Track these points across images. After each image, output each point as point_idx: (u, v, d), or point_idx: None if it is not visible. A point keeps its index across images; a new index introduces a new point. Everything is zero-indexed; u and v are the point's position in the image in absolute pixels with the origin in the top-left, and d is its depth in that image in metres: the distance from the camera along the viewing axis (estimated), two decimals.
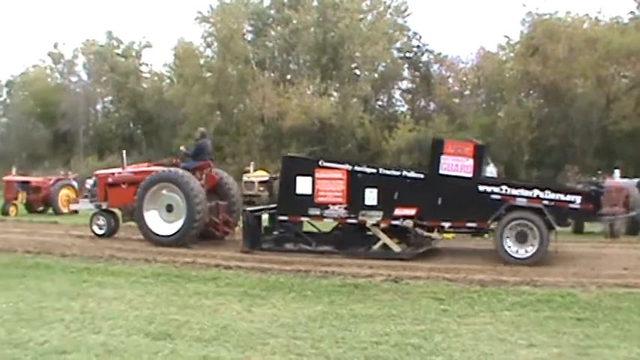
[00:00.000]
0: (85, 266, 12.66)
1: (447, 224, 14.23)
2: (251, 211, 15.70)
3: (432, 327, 8.02)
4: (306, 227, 15.74)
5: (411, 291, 10.28)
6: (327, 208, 14.63)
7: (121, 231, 18.00)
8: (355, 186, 14.47)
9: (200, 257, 13.59)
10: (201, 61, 50.49)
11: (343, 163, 15.10)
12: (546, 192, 13.65)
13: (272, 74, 47.45)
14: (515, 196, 13.63)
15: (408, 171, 14.77)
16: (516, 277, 11.46)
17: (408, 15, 48.82)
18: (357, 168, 14.72)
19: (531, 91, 42.67)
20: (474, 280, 11.11)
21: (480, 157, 14.21)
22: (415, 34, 49.73)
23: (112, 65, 56.85)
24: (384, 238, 14.22)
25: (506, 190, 13.71)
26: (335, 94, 47.03)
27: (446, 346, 7.18)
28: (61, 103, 56.08)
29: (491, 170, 15.81)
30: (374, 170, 14.76)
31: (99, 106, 60.77)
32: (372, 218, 14.24)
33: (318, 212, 14.75)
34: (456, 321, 8.36)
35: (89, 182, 19.50)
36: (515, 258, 13.23)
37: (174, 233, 15.79)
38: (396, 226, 14.14)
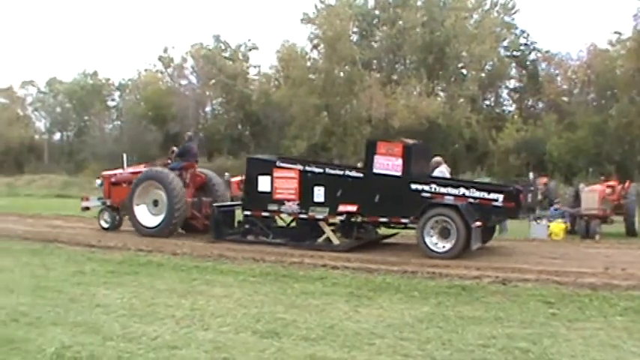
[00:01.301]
0: (194, 265, 12.91)
1: (384, 220, 15.31)
2: (218, 206, 17.41)
3: (541, 331, 7.84)
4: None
5: (519, 293, 10.06)
6: (283, 204, 16.04)
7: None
8: (306, 184, 15.82)
9: (307, 257, 13.64)
10: (308, 63, 50.72)
11: (295, 163, 16.57)
12: (471, 190, 14.42)
13: (378, 75, 47.32)
14: (443, 194, 14.50)
15: (350, 170, 15.88)
16: (629, 281, 11.07)
17: (515, 12, 47.99)
18: (307, 168, 16.08)
19: None
20: (585, 284, 10.78)
21: (409, 156, 15.01)
22: (522, 31, 49.01)
23: (220, 68, 57.81)
24: (328, 232, 15.55)
25: (435, 189, 14.61)
26: (442, 93, 46.64)
27: (555, 351, 7.01)
28: (172, 105, 57.53)
29: (441, 170, 16.82)
30: (321, 170, 16.01)
31: (208, 108, 61.97)
32: (319, 214, 15.59)
33: (276, 208, 16.15)
34: (565, 325, 8.14)
35: (97, 182, 21.02)
36: (436, 252, 14.03)
37: (158, 225, 17.79)
38: (343, 221, 15.49)
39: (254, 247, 15.36)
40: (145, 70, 66.20)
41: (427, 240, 14.16)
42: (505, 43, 48.04)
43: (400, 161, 14.87)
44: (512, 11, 47.91)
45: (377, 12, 50.01)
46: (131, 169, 19.97)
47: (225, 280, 11.28)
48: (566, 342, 7.38)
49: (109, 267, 12.54)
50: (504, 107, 50.74)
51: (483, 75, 47.34)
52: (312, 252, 14.31)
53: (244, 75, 59.32)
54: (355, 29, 50.24)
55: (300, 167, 16.12)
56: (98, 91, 69.23)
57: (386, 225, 15.97)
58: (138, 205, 18.18)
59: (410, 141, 16.52)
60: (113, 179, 19.78)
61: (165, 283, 10.90)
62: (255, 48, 60.67)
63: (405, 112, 42.43)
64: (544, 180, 31.87)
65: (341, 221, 15.62)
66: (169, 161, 19.23)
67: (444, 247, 14.05)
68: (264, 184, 16.33)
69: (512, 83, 50.88)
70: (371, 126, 46.29)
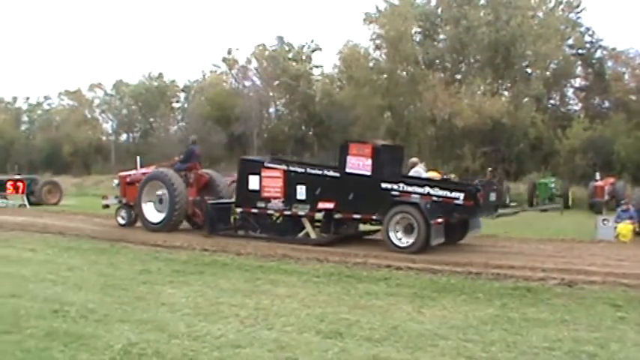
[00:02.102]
0: (258, 264, 13.01)
1: (357, 216, 16.26)
2: (212, 204, 18.63)
3: (608, 335, 7.70)
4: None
5: (585, 296, 9.92)
6: (270, 201, 17.28)
7: None
8: (289, 183, 16.99)
9: (371, 258, 13.63)
10: (370, 64, 50.54)
11: (281, 163, 17.83)
12: (435, 189, 15.27)
13: (442, 74, 46.96)
14: (410, 193, 15.40)
15: (328, 170, 16.86)
16: None
17: (580, 10, 47.09)
18: (290, 168, 17.27)
19: None
20: None
21: (378, 157, 16.01)
22: (588, 29, 47.88)
23: (284, 69, 58.00)
24: (308, 227, 16.75)
25: (403, 188, 15.52)
26: (506, 93, 46.09)
27: (623, 356, 6.89)
28: (236, 106, 57.85)
29: (417, 170, 17.83)
30: (303, 170, 17.14)
31: (272, 109, 62.12)
32: (301, 210, 16.73)
33: (263, 205, 17.36)
34: (633, 329, 7.99)
35: (115, 182, 22.42)
36: (399, 247, 14.93)
37: (162, 221, 19.05)
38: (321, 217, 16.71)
39: (317, 247, 15.40)
40: (210, 71, 66.92)
41: (391, 235, 15.10)
42: (570, 41, 47.16)
43: (370, 161, 15.94)
44: (578, 9, 46.99)
45: (440, 11, 49.53)
46: (143, 170, 21.44)
47: (289, 280, 11.34)
48: (635, 347, 7.26)
49: (175, 266, 12.74)
50: (570, 106, 49.80)
51: (548, 74, 46.54)
52: (377, 253, 14.29)
53: (307, 76, 59.42)
54: (418, 29, 49.89)
55: (285, 167, 17.36)
56: (163, 93, 70.05)
57: (360, 221, 16.82)
58: (145, 202, 19.51)
59: (380, 142, 18.01)
60: (128, 179, 21.21)
61: (230, 283, 11.00)
62: (319, 49, 60.68)
63: (468, 111, 42.02)
64: (610, 180, 31.38)
65: (322, 217, 16.75)
66: (177, 160, 20.61)
67: (407, 242, 14.92)
68: (253, 183, 17.62)
69: (577, 82, 49.97)
70: (435, 126, 46.00)
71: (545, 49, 42.95)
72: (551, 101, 49.14)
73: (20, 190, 32.99)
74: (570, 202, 32.67)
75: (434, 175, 34.90)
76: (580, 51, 47.52)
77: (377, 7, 48.85)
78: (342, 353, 6.95)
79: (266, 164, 17.68)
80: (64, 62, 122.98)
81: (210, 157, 55.67)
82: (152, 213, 19.42)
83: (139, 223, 19.90)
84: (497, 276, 11.60)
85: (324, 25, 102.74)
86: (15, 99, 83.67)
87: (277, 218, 17.53)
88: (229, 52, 63.49)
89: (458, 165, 42.54)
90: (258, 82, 61.42)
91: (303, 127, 59.52)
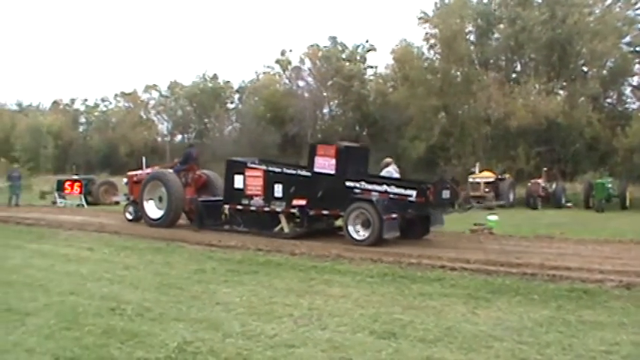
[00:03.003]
0: (312, 264, 13.01)
1: (326, 212, 17.44)
2: (202, 201, 20.38)
3: None
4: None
5: None
6: (252, 199, 18.78)
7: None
8: (268, 182, 18.46)
9: (425, 258, 13.53)
10: (425, 63, 50.26)
11: (261, 164, 19.17)
12: (392, 187, 16.48)
13: (496, 74, 46.50)
14: (370, 191, 16.58)
15: (300, 170, 18.28)
16: None
17: (639, 7, 46.18)
18: (269, 168, 18.73)
19: None
20: None
21: (342, 157, 17.31)
22: None
23: (337, 69, 58.03)
24: (283, 222, 18.16)
25: (364, 186, 16.75)
26: (561, 92, 45.46)
27: None
28: (289, 107, 58.05)
29: (388, 170, 19.13)
30: (280, 170, 18.55)
31: (325, 110, 62.23)
32: (278, 207, 18.20)
33: (247, 202, 18.90)
34: None
35: (124, 181, 24.61)
36: (356, 239, 16.18)
37: (161, 217, 20.54)
38: (293, 213, 17.98)
39: (372, 248, 15.37)
40: (263, 72, 67.26)
41: (350, 229, 16.37)
42: (628, 39, 46.26)
43: (334, 161, 17.31)
44: (636, 5, 46.11)
45: (496, 10, 49.03)
46: (148, 170, 23.44)
47: (343, 280, 11.33)
48: None
49: (229, 266, 12.82)
50: (627, 105, 48.89)
51: (605, 72, 45.77)
52: (430, 253, 14.19)
53: (361, 76, 59.36)
54: (472, 28, 49.49)
55: (265, 168, 18.83)
56: (218, 93, 70.66)
57: (329, 217, 17.96)
58: (147, 200, 21.12)
59: (345, 143, 19.15)
60: (135, 178, 22.87)
61: (284, 283, 11.03)
62: (373, 49, 60.66)
63: (523, 111, 41.59)
64: None
65: (296, 212, 18.04)
66: (177, 162, 22.51)
67: (363, 235, 16.19)
68: (238, 182, 19.17)
69: (635, 80, 49.06)
70: (489, 126, 45.61)
71: (601, 47, 42.27)
72: (608, 100, 48.24)
73: (78, 190, 33.68)
74: (628, 203, 32.10)
75: (488, 175, 34.81)
76: (638, 48, 46.61)
77: (435, 4, 48.59)
78: (395, 354, 6.93)
79: (249, 165, 19.22)
80: (120, 64, 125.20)
81: (264, 157, 55.96)
82: (153, 210, 20.99)
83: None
84: (553, 277, 11.41)
85: (379, 24, 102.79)
86: (73, 101, 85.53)
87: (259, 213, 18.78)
88: (283, 53, 63.80)
89: (512, 165, 42.15)
90: (311, 83, 61.53)
91: (357, 128, 59.49)
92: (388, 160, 19.87)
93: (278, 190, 18.28)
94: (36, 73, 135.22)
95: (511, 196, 34.32)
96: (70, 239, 17.64)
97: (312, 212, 17.61)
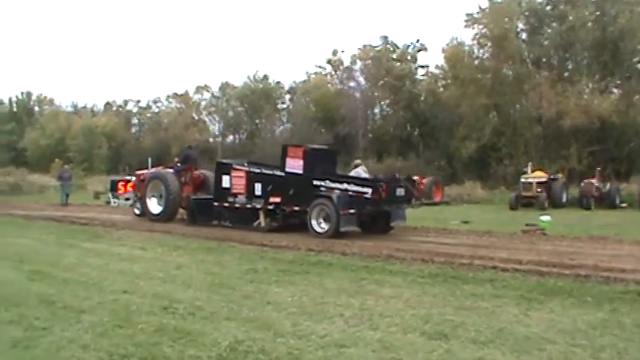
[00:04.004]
0: (364, 265, 12.97)
1: (297, 208, 19.04)
2: (194, 199, 22.22)
3: None
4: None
5: None
6: (237, 197, 20.52)
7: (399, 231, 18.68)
8: (250, 182, 20.23)
9: (477, 259, 13.43)
10: (475, 62, 49.87)
11: (243, 165, 21.06)
12: (352, 185, 18.16)
13: (548, 73, 45.93)
14: (333, 189, 18.25)
15: (276, 170, 19.90)
16: None
17: None
18: (250, 169, 20.58)
19: None
20: None
21: (309, 158, 19.21)
22: None
23: (388, 69, 57.86)
24: (261, 218, 19.91)
25: (329, 184, 18.44)
26: (615, 91, 44.74)
27: None
28: (340, 107, 58.05)
29: (357, 171, 21.01)
30: (259, 170, 20.41)
31: (376, 110, 62.14)
32: (258, 204, 19.97)
33: (232, 200, 20.64)
34: None
35: (133, 179, 27.93)
36: (317, 232, 18.08)
37: (160, 212, 22.68)
38: (271, 209, 19.72)
39: (422, 247, 15.37)
40: (314, 73, 67.39)
41: (313, 223, 18.23)
42: None
43: (301, 162, 19.13)
44: None
45: (547, 8, 48.38)
46: (153, 170, 26.00)
47: (394, 280, 11.28)
48: None
49: (281, 266, 12.85)
50: None
51: None
52: (483, 254, 14.08)
53: (412, 75, 59.15)
54: (523, 26, 48.97)
55: (247, 169, 20.63)
56: (268, 94, 70.97)
57: (300, 213, 19.03)
58: (149, 197, 23.25)
59: (313, 146, 21.36)
60: (142, 177, 24.96)
61: (335, 283, 11.02)
62: (424, 49, 60.38)
63: (576, 110, 41.03)
64: None
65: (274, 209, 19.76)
66: (177, 162, 24.86)
67: (324, 228, 18.05)
68: (225, 182, 20.88)
69: None
70: (541, 125, 45.12)
71: None
72: None
73: (131, 190, 34.26)
74: None
75: (540, 175, 34.40)
76: None
77: (479, 7, 48.26)
78: (446, 355, 6.89)
79: (234, 166, 21.05)
80: (172, 66, 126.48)
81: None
82: (154, 206, 23.08)
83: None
84: (607, 279, 11.22)
85: (429, 23, 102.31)
86: (126, 102, 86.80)
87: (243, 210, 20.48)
88: (335, 53, 63.87)
89: (564, 165, 41.65)
90: (363, 83, 61.46)
91: (408, 127, 59.26)
92: (357, 161, 22.28)
93: (258, 188, 20.04)
94: (90, 75, 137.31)
95: (564, 197, 33.91)
96: (123, 238, 17.93)
97: (285, 208, 19.38)
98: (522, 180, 34.39)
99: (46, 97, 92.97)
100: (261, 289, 10.43)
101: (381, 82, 58.58)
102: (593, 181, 33.88)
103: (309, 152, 19.49)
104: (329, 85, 64.82)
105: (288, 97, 72.74)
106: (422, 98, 57.19)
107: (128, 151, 74.87)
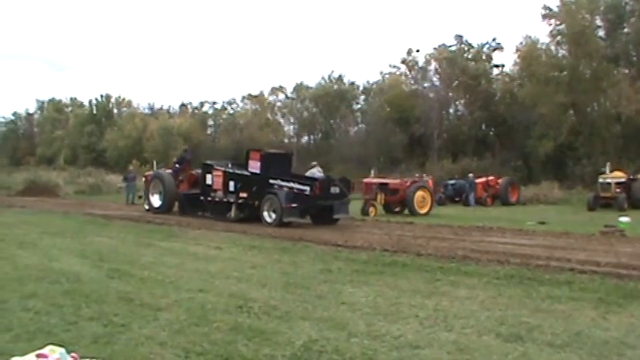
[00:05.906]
0: (438, 265, 12.89)
1: (257, 203, 22.34)
2: (184, 194, 26.86)
3: None
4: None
5: None
6: (217, 192, 24.33)
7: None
8: (226, 180, 23.95)
9: (553, 260, 13.23)
10: (551, 60, 48.99)
11: (221, 165, 25.14)
12: (297, 184, 21.69)
13: (628, 70, 44.88)
14: (283, 187, 21.81)
15: (243, 170, 23.63)
16: None
17: None
18: (226, 169, 24.45)
19: None
20: None
21: (265, 160, 23.24)
22: None
23: (463, 69, 57.38)
24: (233, 210, 23.58)
25: (280, 183, 22.03)
26: None
27: None
28: (415, 107, 57.81)
29: (312, 172, 25.88)
30: (232, 170, 24.24)
31: (451, 110, 61.71)
32: (231, 198, 23.61)
33: (213, 195, 24.46)
34: None
35: (142, 179, 31.96)
36: (268, 222, 21.62)
37: (160, 206, 27.28)
38: (240, 203, 23.37)
39: (498, 248, 15.26)
40: (388, 73, 67.22)
41: (265, 214, 21.88)
42: None
43: (259, 164, 23.13)
44: None
45: (627, 4, 47.26)
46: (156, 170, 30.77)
47: (469, 281, 11.19)
48: None
49: (355, 266, 12.85)
50: None
51: None
52: (559, 255, 13.87)
53: (487, 75, 58.52)
54: (601, 22, 47.92)
55: (224, 169, 24.45)
56: (343, 95, 70.99)
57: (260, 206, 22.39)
58: (152, 194, 27.91)
59: (269, 150, 26.98)
60: (149, 177, 29.03)
61: (409, 283, 10.98)
62: (499, 48, 59.67)
63: None
64: None
65: (243, 203, 23.34)
66: (177, 165, 28.87)
67: (272, 218, 21.61)
68: (208, 179, 24.83)
69: None
70: (620, 124, 44.14)
71: None
72: None
73: None
74: None
75: (619, 175, 33.63)
76: None
77: (561, 1, 47.29)
78: (522, 358, 6.79)
79: (215, 167, 24.97)
80: (246, 67, 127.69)
81: (390, 158, 55.91)
82: (156, 201, 27.64)
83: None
84: None
85: (505, 21, 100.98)
86: (202, 104, 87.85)
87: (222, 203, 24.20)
88: (409, 53, 63.60)
89: None
90: (437, 83, 61.09)
91: (484, 127, 58.66)
92: (313, 163, 27.77)
93: (231, 185, 23.61)
94: (166, 77, 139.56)
95: None
96: (199, 238, 18.16)
97: (250, 202, 22.83)
98: (600, 180, 33.70)
99: (124, 99, 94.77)
100: (336, 289, 10.45)
101: (456, 82, 58.11)
102: None
103: (265, 155, 23.76)
104: (403, 86, 64.56)
105: (362, 97, 72.69)
106: (497, 98, 56.50)
107: (203, 152, 75.77)
